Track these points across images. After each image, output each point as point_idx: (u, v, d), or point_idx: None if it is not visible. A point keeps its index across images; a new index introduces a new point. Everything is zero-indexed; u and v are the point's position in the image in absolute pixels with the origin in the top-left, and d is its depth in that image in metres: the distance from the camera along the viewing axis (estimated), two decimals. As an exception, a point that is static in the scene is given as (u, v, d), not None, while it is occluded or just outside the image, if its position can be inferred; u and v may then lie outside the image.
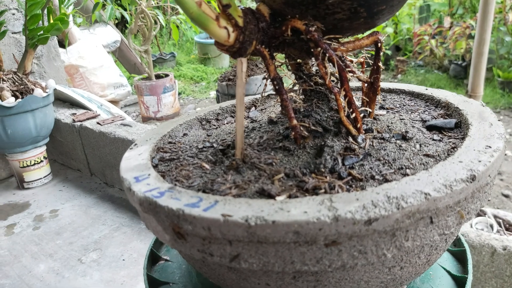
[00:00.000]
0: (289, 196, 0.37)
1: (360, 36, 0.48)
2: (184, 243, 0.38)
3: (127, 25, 3.79)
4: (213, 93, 3.46)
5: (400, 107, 0.57)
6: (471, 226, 1.05)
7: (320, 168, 0.41)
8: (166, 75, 2.62)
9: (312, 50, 0.43)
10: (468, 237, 0.91)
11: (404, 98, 0.60)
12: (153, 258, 0.61)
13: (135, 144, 0.55)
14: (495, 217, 1.04)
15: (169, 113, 2.62)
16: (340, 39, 0.47)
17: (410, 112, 0.54)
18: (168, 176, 0.45)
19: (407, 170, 0.39)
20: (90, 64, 2.44)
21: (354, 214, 0.32)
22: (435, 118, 0.52)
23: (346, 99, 0.45)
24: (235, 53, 0.44)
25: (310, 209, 0.33)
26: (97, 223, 1.61)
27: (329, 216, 0.32)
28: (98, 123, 1.79)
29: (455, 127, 0.48)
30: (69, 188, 1.89)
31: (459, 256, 0.56)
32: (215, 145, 0.52)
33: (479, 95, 2.15)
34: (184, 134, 0.61)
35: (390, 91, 0.64)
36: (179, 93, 3.42)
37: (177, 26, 3.09)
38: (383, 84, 0.65)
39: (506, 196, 1.88)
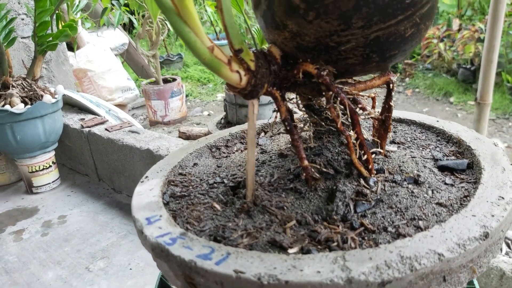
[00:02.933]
0: (301, 249, 0.37)
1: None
2: (196, 292, 0.38)
3: (134, 25, 3.80)
4: (220, 95, 3.46)
5: (411, 141, 0.56)
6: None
7: (332, 215, 0.41)
8: (174, 79, 2.63)
9: (323, 92, 0.43)
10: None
11: (414, 130, 0.60)
12: (162, 287, 0.61)
13: (146, 177, 0.55)
14: (504, 238, 1.03)
15: (176, 117, 2.62)
16: (350, 80, 0.47)
17: (421, 148, 0.54)
18: (180, 217, 0.45)
19: (420, 222, 0.39)
20: (98, 68, 2.45)
21: (367, 276, 0.32)
22: (447, 156, 0.51)
23: (358, 142, 0.44)
24: (247, 95, 0.44)
25: (323, 269, 0.33)
26: (104, 230, 1.62)
27: (343, 277, 0.32)
28: (106, 129, 1.80)
29: (467, 168, 0.48)
30: (77, 194, 1.91)
31: (469, 292, 0.56)
32: (225, 180, 0.52)
33: (488, 103, 2.13)
34: (195, 164, 0.61)
35: (400, 121, 0.63)
36: (186, 95, 3.43)
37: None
38: (393, 113, 0.64)
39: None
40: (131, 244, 1.50)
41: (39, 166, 1.86)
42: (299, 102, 0.51)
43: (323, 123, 0.48)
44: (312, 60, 0.42)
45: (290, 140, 0.46)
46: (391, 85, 0.46)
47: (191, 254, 0.37)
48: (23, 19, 2.07)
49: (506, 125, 2.68)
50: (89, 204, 1.79)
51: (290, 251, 0.37)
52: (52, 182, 1.92)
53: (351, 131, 0.46)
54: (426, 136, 0.58)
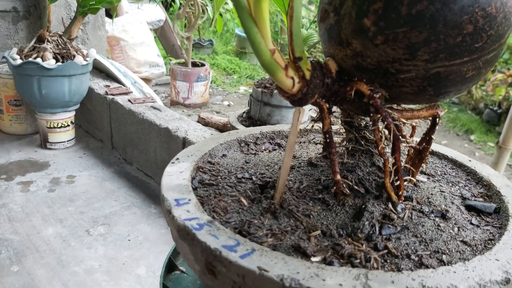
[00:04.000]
0: (324, 259, 0.38)
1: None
2: (213, 279, 0.40)
3: (173, 3, 3.82)
4: (243, 88, 3.47)
5: (441, 175, 0.57)
6: None
7: (357, 233, 0.42)
8: (203, 65, 2.65)
9: (371, 114, 0.44)
10: None
11: (445, 165, 0.61)
12: (169, 266, 0.62)
13: (177, 159, 0.56)
14: None
15: (197, 102, 2.65)
16: (398, 106, 0.47)
17: (450, 184, 0.54)
18: (207, 205, 0.46)
19: (443, 256, 0.39)
20: (132, 39, 2.48)
21: (387, 299, 0.32)
22: (475, 197, 0.52)
23: (394, 167, 0.45)
24: (295, 102, 0.45)
25: (345, 283, 0.34)
26: (110, 198, 1.64)
27: (363, 295, 0.33)
28: (129, 100, 1.82)
29: (494, 212, 0.48)
30: (89, 157, 1.93)
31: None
32: (253, 178, 0.53)
33: (510, 149, 2.12)
34: (223, 155, 0.62)
35: (432, 152, 0.64)
36: (210, 82, 3.45)
37: (220, 15, 3.10)
38: (425, 144, 0.65)
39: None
40: (133, 216, 1.53)
41: (58, 123, 1.89)
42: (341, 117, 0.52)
43: (362, 142, 0.49)
44: (367, 81, 0.43)
45: (327, 152, 0.47)
46: (437, 119, 0.46)
47: (216, 243, 0.39)
48: (69, -22, 2.09)
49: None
50: (98, 169, 1.82)
51: (313, 259, 0.38)
52: (67, 141, 1.95)
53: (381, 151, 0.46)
54: (456, 173, 0.58)
